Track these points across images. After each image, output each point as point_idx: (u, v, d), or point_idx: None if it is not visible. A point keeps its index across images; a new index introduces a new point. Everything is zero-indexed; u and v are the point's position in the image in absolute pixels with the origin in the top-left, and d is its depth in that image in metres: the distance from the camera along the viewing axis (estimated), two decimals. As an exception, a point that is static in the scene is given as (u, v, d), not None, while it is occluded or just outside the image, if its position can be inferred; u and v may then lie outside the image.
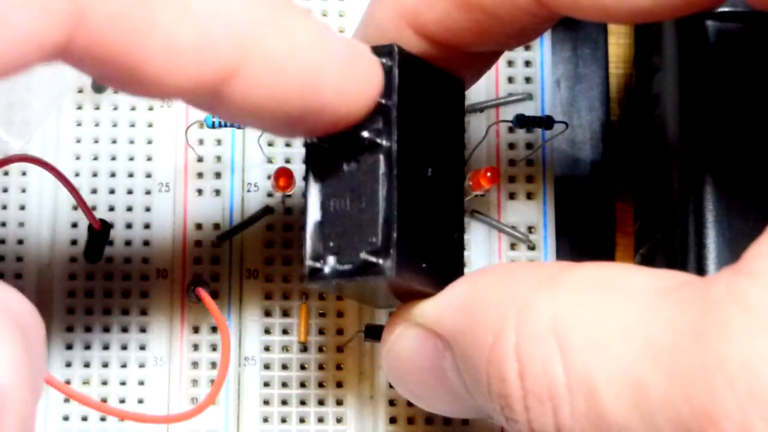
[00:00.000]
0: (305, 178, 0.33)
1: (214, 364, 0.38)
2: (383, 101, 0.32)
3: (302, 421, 0.38)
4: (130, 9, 0.27)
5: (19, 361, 0.25)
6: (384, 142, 0.32)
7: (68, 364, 0.38)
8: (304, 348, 0.38)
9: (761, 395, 0.25)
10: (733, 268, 0.26)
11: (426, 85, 0.33)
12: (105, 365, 0.38)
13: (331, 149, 0.32)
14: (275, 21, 0.29)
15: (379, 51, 0.32)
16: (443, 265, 0.33)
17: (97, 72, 0.28)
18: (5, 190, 0.39)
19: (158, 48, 0.27)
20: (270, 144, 0.39)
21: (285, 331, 0.38)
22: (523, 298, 0.29)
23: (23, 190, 0.39)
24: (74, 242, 0.39)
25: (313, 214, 0.32)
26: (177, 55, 0.27)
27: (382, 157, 0.32)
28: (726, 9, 0.36)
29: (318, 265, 0.32)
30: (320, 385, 0.38)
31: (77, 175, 0.39)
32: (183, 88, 0.28)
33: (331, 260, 0.32)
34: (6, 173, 0.39)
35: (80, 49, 0.26)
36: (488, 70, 0.36)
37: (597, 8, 0.30)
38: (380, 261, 0.31)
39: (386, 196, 0.31)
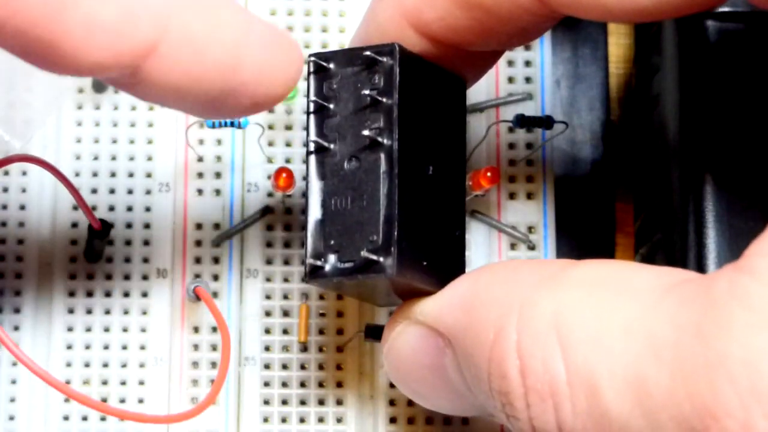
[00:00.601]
0: (306, 177, 0.33)
1: (214, 364, 0.38)
2: (384, 100, 0.32)
3: (302, 421, 0.38)
4: None
5: None
6: (385, 141, 0.32)
7: (68, 364, 0.38)
8: (304, 348, 0.38)
9: (763, 392, 0.25)
10: (735, 266, 0.26)
11: (427, 83, 0.33)
12: (105, 365, 0.38)
13: (333, 147, 0.32)
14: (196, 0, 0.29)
15: (381, 50, 0.32)
16: (444, 263, 0.33)
17: (15, 45, 0.27)
18: (5, 190, 0.39)
19: (78, 22, 0.27)
20: (270, 144, 0.39)
21: (285, 331, 0.38)
22: (525, 295, 0.29)
23: (23, 190, 0.39)
24: (74, 242, 0.39)
25: (314, 212, 0.32)
26: (96, 31, 0.27)
27: (383, 156, 0.32)
28: (726, 9, 0.36)
29: (319, 263, 0.32)
30: (320, 385, 0.38)
31: (77, 175, 0.39)
32: (101, 64, 0.27)
33: (332, 258, 0.32)
34: (6, 173, 0.39)
35: (0, 20, 0.26)
36: (490, 69, 0.36)
37: (598, 7, 0.30)
38: (381, 259, 0.31)
39: (387, 194, 0.31)
